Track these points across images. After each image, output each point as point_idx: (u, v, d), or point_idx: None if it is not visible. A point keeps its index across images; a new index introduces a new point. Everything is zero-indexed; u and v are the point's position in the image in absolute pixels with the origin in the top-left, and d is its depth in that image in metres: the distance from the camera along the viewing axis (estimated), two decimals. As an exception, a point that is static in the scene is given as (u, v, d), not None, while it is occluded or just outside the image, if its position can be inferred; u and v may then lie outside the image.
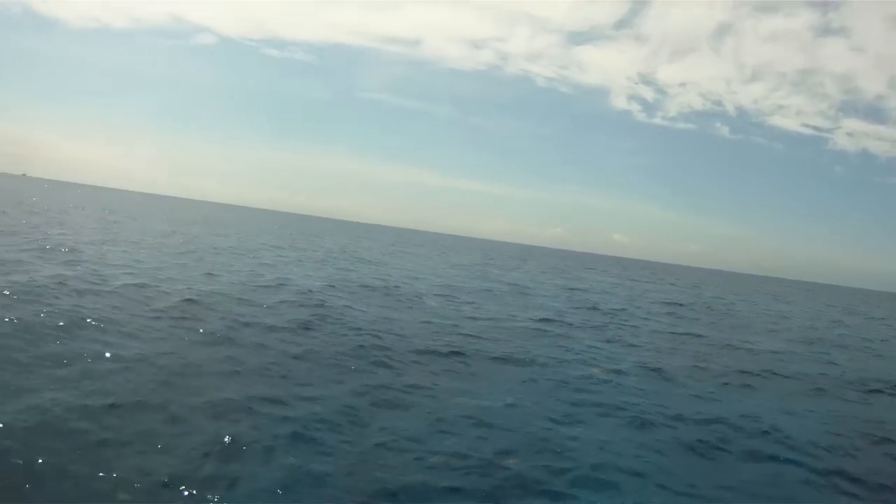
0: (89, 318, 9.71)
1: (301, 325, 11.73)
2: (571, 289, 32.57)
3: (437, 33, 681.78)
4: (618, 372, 11.35)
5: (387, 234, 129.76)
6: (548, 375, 10.47)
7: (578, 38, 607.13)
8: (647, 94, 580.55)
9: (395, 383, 8.71)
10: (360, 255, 38.48)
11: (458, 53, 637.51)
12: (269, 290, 16.12)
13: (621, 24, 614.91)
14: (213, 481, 5.17)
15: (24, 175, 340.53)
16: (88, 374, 7.17)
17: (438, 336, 12.61)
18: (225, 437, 5.96)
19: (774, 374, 13.25)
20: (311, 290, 16.63)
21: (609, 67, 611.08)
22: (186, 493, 4.93)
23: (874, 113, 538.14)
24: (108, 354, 8.03)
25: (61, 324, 9.10)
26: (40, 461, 5.09)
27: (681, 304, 30.63)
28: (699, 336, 18.43)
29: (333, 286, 18.68)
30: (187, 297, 12.91)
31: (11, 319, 8.78)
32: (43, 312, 9.53)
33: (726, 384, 11.71)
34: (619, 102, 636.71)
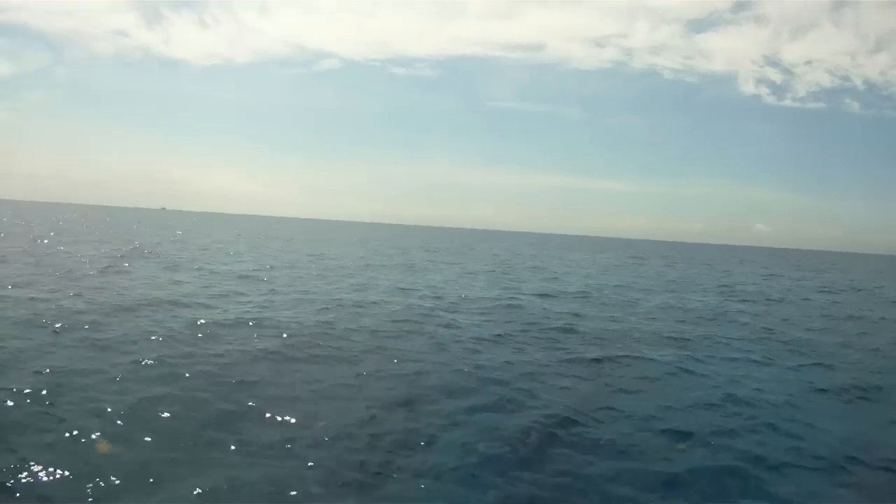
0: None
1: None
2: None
3: (559, 35, 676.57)
4: None
5: (540, 240, 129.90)
6: None
7: (698, 25, 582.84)
8: (774, 75, 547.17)
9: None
10: (565, 265, 39.88)
11: (582, 53, 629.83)
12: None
13: (739, 7, 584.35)
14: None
15: (164, 209, 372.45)
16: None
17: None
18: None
19: None
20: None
21: (733, 52, 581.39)
22: None
23: None
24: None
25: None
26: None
27: None
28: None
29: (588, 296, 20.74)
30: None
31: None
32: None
33: None
34: (747, 87, 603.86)
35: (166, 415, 6.35)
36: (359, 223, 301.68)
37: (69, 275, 17.19)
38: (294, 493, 4.90)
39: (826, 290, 31.49)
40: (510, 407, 7.38)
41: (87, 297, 13.07)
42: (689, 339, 12.99)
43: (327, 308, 14.05)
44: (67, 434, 5.63)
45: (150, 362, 8.20)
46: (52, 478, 4.83)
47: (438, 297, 17.47)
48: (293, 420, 6.48)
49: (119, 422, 6.07)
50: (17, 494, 4.59)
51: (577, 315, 15.56)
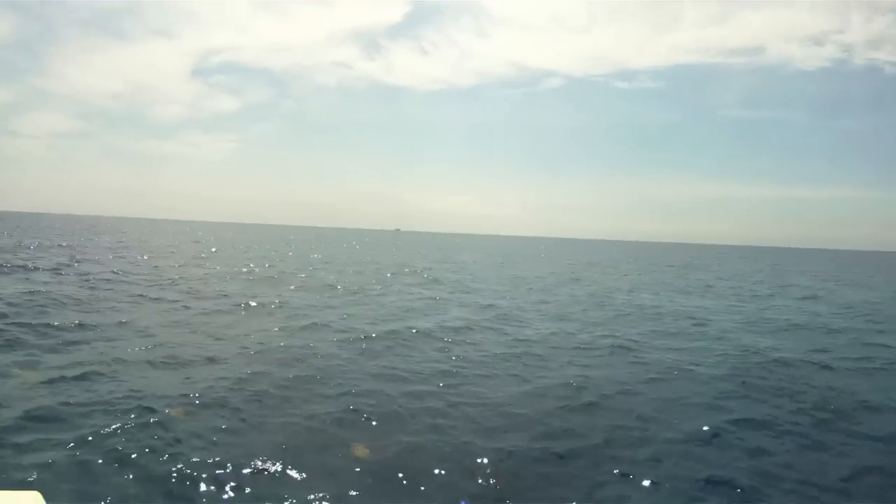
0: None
1: None
2: None
3: (775, 36, 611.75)
4: None
5: (781, 253, 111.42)
6: None
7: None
8: None
9: None
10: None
11: (801, 53, 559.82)
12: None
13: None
14: None
15: (398, 230, 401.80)
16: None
17: None
18: None
19: None
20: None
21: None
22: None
23: None
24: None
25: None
26: None
27: None
28: None
29: None
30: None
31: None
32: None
33: None
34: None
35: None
36: (586, 241, 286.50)
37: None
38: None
39: None
40: None
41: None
42: None
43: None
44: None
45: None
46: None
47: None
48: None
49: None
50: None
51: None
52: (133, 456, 5.32)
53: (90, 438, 5.58)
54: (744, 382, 9.14)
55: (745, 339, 13.11)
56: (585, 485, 5.45)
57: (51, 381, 7.31)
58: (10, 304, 12.15)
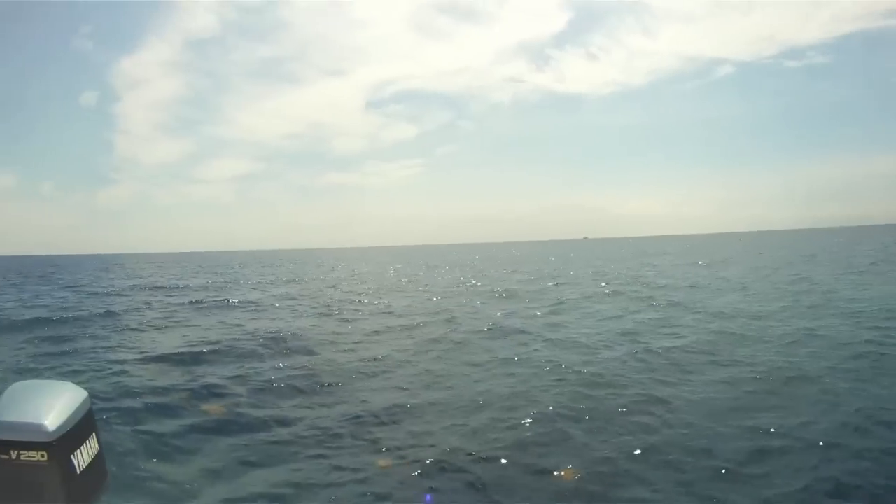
0: None
1: None
2: None
3: None
4: None
5: None
6: None
7: None
8: None
9: None
10: None
11: None
12: None
13: None
14: None
15: (585, 238, 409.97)
16: None
17: None
18: None
19: None
20: None
21: None
22: None
23: None
24: None
25: None
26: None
27: None
28: None
29: None
30: None
31: None
32: None
33: None
34: None
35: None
36: (777, 232, 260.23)
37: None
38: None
39: None
40: None
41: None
42: None
43: None
44: None
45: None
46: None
47: None
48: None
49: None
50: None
51: None
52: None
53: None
54: None
55: None
56: None
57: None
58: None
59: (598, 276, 31.67)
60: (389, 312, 17.87)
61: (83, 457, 1.71)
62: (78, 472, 1.68)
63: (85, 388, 1.79)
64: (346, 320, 16.22)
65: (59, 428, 1.63)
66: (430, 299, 21.78)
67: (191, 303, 21.21)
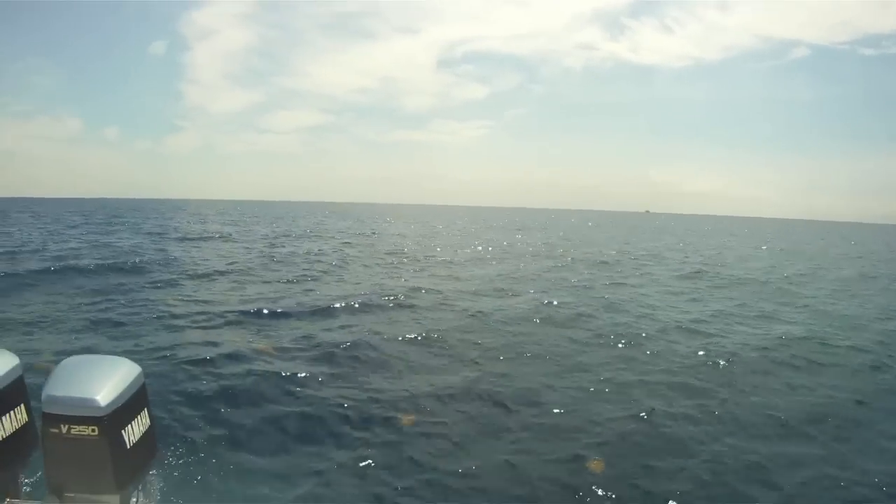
0: None
1: None
2: None
3: None
4: None
5: None
6: None
7: None
8: None
9: None
10: None
11: None
12: None
13: None
14: None
15: (647, 211, 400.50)
16: None
17: None
18: None
19: None
20: None
21: None
22: None
23: None
24: None
25: None
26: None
27: None
28: None
29: None
30: None
31: None
32: None
33: None
34: None
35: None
36: (843, 224, 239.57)
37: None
38: None
39: None
40: None
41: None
42: None
43: None
44: None
45: None
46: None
47: None
48: None
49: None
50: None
51: None
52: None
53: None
54: None
55: None
56: None
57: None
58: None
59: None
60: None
61: (133, 432, 1.73)
62: (128, 446, 1.70)
63: (138, 363, 1.81)
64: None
65: (111, 403, 1.64)
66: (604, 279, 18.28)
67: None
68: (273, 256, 20.55)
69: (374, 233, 40.67)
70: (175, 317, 9.95)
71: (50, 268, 14.54)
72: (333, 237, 33.53)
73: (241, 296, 12.38)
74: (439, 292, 13.69)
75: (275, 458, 4.99)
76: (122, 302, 11.07)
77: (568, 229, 59.01)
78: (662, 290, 15.83)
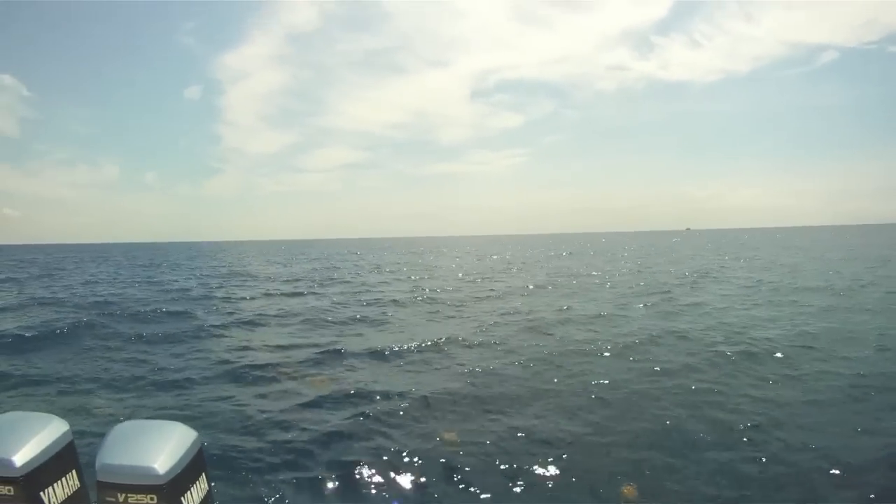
0: None
1: None
2: None
3: None
4: None
5: None
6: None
7: None
8: None
9: None
10: None
11: None
12: None
13: None
14: None
15: (688, 229, 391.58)
16: None
17: None
18: None
19: None
20: None
21: None
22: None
23: None
24: None
25: None
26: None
27: None
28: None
29: None
30: None
31: None
32: None
33: None
34: None
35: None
36: (887, 225, 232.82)
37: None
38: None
39: None
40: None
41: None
42: None
43: None
44: None
45: None
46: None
47: None
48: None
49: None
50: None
51: None
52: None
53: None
54: None
55: None
56: None
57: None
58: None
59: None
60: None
61: (193, 498, 1.63)
62: None
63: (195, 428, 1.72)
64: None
65: (170, 471, 1.55)
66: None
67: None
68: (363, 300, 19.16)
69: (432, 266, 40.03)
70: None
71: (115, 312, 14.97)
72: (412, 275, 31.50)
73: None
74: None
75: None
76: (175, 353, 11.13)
77: (632, 253, 55.77)
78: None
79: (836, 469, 5.07)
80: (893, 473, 5.09)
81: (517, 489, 4.91)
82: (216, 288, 24.45)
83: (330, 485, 5.07)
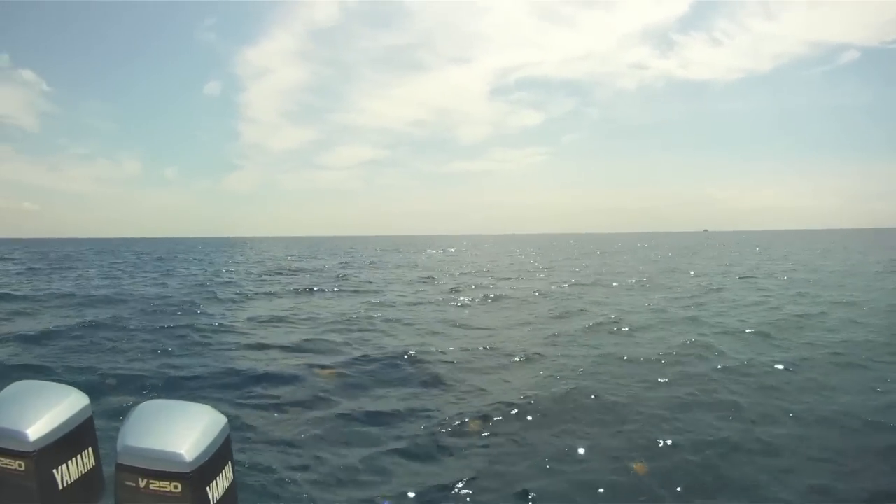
0: None
1: None
2: None
3: None
4: None
5: None
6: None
7: None
8: None
9: None
10: None
11: None
12: None
13: None
14: None
15: (706, 230, 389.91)
16: None
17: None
18: None
19: None
20: None
21: None
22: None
23: None
24: None
25: None
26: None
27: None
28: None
29: None
30: None
31: None
32: None
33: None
34: None
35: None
36: None
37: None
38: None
39: None
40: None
41: None
42: None
43: None
44: None
45: None
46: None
47: None
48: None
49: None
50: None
51: None
52: None
53: None
54: None
55: None
56: None
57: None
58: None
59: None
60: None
61: (218, 488, 1.49)
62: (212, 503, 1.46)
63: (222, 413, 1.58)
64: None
65: (198, 458, 1.41)
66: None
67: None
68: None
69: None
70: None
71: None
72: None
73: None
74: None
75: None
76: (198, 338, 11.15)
77: (666, 253, 53.54)
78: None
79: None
80: None
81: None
82: (254, 281, 24.54)
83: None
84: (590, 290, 20.26)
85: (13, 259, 41.51)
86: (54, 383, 1.64)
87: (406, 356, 9.22)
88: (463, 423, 6.05)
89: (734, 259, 39.99)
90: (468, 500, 4.52)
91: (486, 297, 17.91)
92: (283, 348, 10.24)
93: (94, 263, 37.49)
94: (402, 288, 21.58)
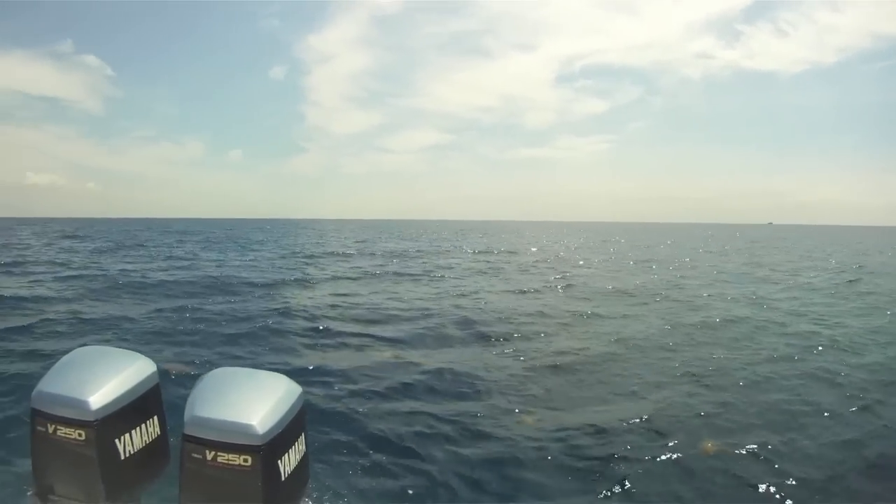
0: None
1: None
2: None
3: None
4: None
5: None
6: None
7: None
8: None
9: None
10: None
11: None
12: None
13: None
14: None
15: (770, 223, 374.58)
16: None
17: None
18: None
19: None
20: None
21: None
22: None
23: None
24: None
25: None
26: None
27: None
28: None
29: None
30: None
31: None
32: None
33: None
34: None
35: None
36: None
37: None
38: None
39: None
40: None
41: None
42: None
43: None
44: None
45: None
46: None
47: None
48: None
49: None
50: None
51: None
52: None
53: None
54: None
55: None
56: None
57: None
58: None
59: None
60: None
61: (290, 461, 1.42)
62: (282, 478, 1.40)
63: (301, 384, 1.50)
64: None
65: (271, 430, 1.34)
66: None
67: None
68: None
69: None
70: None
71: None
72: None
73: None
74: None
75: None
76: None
77: (748, 245, 51.40)
78: None
79: None
80: None
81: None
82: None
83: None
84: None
85: (91, 238, 42.99)
86: (120, 349, 1.60)
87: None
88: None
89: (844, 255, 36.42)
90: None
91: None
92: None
93: (205, 242, 38.78)
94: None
